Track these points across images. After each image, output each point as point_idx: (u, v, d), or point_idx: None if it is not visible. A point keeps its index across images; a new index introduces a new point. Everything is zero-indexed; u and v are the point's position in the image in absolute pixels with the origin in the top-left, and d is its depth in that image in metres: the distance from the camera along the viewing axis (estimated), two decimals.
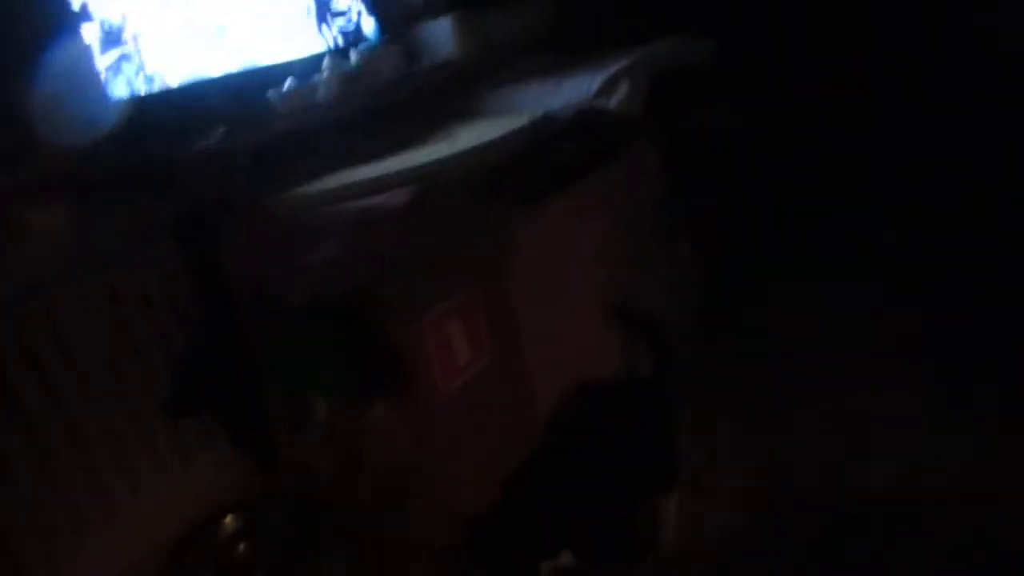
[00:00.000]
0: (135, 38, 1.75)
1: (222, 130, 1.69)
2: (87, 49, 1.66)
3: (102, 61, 1.70)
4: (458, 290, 1.73)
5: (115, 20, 1.72)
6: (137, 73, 1.76)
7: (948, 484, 1.64)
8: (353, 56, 2.05)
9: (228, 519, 1.73)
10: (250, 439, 1.80)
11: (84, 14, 1.66)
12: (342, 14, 2.20)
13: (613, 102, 1.95)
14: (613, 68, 2.00)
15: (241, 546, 1.71)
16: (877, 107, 3.31)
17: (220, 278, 1.74)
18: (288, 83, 1.89)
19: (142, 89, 1.77)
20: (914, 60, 3.35)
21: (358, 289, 1.61)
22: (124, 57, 1.74)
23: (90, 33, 1.67)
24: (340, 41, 2.17)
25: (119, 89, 1.73)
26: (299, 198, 1.69)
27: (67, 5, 1.62)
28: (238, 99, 1.83)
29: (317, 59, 2.02)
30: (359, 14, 2.23)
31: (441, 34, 2.26)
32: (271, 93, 1.86)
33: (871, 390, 2.00)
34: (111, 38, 1.71)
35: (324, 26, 2.15)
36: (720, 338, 2.40)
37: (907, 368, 2.05)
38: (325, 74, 1.96)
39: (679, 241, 2.45)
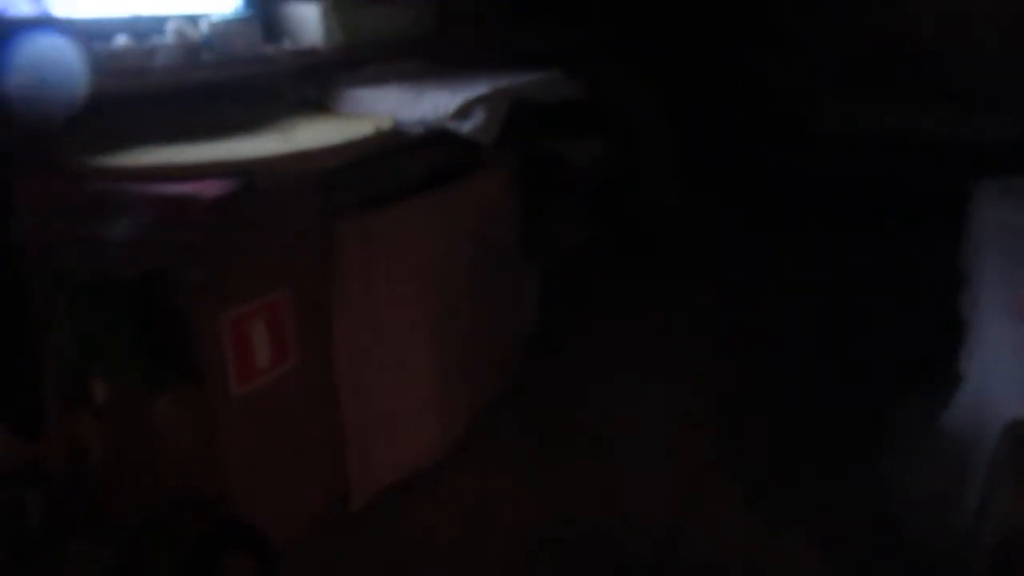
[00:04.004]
0: None
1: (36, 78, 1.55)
2: None
3: None
4: (268, 289, 1.67)
5: None
6: None
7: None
8: (204, 24, 1.92)
9: None
10: (14, 410, 1.68)
11: None
12: None
13: (466, 127, 1.93)
14: (474, 93, 1.98)
15: None
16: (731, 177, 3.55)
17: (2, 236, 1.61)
18: (119, 39, 1.76)
19: None
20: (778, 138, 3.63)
21: (155, 274, 1.54)
22: None
23: None
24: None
25: None
26: (106, 168, 1.57)
27: None
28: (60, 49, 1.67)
29: (160, 20, 1.88)
30: None
31: (309, 18, 2.18)
32: (98, 47, 1.71)
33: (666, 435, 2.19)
34: None
35: None
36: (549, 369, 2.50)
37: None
38: (168, 37, 1.84)
39: (525, 265, 2.49)
